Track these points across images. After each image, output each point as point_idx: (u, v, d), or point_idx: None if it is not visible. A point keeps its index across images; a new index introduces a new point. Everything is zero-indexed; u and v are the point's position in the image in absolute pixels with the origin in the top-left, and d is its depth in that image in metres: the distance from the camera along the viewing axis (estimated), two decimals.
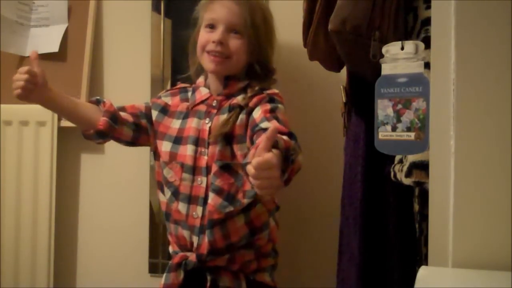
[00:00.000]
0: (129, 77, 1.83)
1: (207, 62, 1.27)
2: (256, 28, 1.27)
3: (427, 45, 0.83)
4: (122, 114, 1.32)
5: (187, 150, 1.26)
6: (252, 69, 1.30)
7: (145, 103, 1.38)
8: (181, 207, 1.25)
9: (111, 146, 1.84)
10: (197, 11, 1.37)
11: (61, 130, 1.80)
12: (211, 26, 1.27)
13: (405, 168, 0.94)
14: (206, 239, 1.23)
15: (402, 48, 0.86)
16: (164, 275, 1.27)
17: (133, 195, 1.80)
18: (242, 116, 1.24)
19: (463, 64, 0.59)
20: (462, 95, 0.59)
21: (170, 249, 1.34)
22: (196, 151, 1.25)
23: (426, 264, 0.76)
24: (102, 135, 1.31)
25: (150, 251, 1.75)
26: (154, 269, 1.76)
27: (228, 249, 1.24)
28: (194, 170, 1.25)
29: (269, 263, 1.32)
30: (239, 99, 1.26)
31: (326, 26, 1.03)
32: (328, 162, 1.61)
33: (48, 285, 1.76)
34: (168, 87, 1.78)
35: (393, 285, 1.10)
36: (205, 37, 1.28)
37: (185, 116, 1.31)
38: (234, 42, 1.26)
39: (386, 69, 0.88)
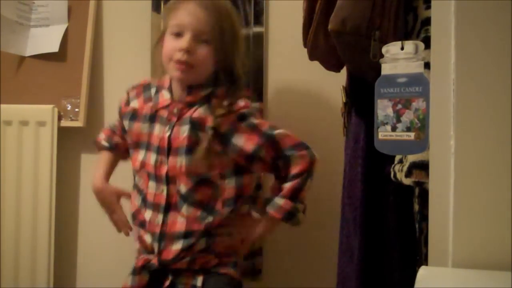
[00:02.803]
0: (129, 77, 1.82)
1: (173, 71, 1.24)
2: (224, 36, 1.23)
3: (427, 45, 0.83)
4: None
5: (151, 159, 1.26)
6: (218, 76, 1.27)
7: (120, 120, 1.39)
8: (147, 214, 1.26)
9: None
10: (161, 15, 1.33)
11: (61, 130, 1.80)
12: (178, 34, 1.23)
13: (405, 168, 0.94)
14: (177, 247, 1.23)
15: (402, 48, 0.86)
16: (130, 277, 1.28)
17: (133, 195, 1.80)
18: (204, 133, 1.22)
19: (463, 64, 0.59)
20: (462, 95, 0.59)
21: (135, 245, 1.36)
22: (157, 160, 1.25)
23: (426, 264, 0.76)
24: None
25: None
26: None
27: (190, 254, 1.24)
28: (156, 178, 1.25)
29: (231, 260, 1.30)
30: (201, 112, 1.24)
31: (326, 26, 1.03)
32: (328, 162, 1.61)
33: (48, 285, 1.76)
34: None
35: (393, 285, 1.10)
36: (171, 45, 1.24)
37: (150, 119, 1.29)
38: (202, 51, 1.22)
39: (386, 69, 0.88)
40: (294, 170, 1.22)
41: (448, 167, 0.60)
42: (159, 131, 1.26)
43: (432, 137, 0.73)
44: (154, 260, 1.26)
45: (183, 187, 1.23)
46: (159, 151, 1.25)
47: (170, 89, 1.29)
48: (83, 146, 1.84)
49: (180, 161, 1.22)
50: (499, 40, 0.58)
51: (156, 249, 1.25)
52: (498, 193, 0.58)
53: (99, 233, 1.84)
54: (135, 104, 1.34)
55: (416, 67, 0.84)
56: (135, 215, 1.32)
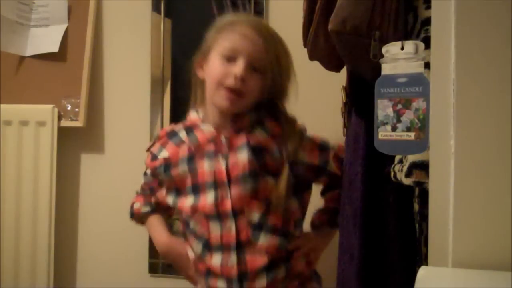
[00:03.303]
0: (129, 77, 1.83)
1: (221, 99, 1.14)
2: (278, 66, 1.16)
3: (427, 45, 0.83)
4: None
5: (207, 199, 1.15)
6: (265, 106, 1.19)
7: (152, 178, 1.30)
8: (215, 259, 1.15)
9: (111, 146, 1.84)
10: (207, 35, 1.21)
11: (61, 130, 1.80)
12: (230, 58, 1.13)
13: (405, 168, 0.93)
14: (262, 283, 1.14)
15: (402, 48, 0.86)
16: None
17: (133, 195, 1.80)
18: (269, 156, 1.16)
19: (463, 64, 0.59)
20: (462, 95, 0.59)
21: None
22: (216, 197, 1.14)
23: (426, 264, 0.76)
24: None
25: (150, 251, 1.75)
26: (154, 269, 1.76)
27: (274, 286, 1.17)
28: (219, 217, 1.14)
29: (311, 277, 1.26)
30: (258, 136, 1.16)
31: (326, 26, 1.03)
32: None
33: (48, 285, 1.76)
34: (168, 87, 1.78)
35: (393, 285, 1.10)
36: (222, 70, 1.13)
37: (189, 160, 1.18)
38: (254, 80, 1.14)
39: (386, 69, 0.88)
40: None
41: (448, 167, 0.59)
42: (209, 167, 1.16)
43: (432, 137, 0.73)
44: None
45: (254, 215, 1.13)
46: (216, 186, 1.15)
47: (206, 122, 1.20)
48: (83, 146, 1.84)
49: (244, 188, 1.13)
50: (499, 40, 0.58)
51: None
52: (498, 193, 0.58)
53: (99, 233, 1.84)
54: (165, 154, 1.23)
55: (416, 67, 0.84)
56: (195, 265, 1.22)
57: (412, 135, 0.84)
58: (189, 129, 1.22)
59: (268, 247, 1.13)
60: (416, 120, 0.83)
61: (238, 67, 1.12)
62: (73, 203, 1.86)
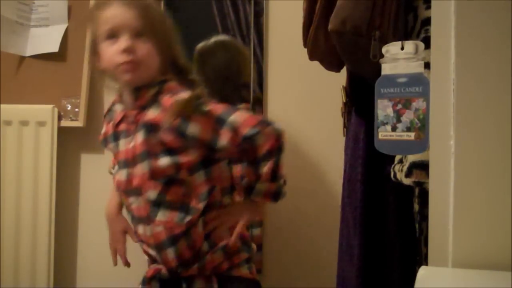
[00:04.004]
0: None
1: (121, 75, 1.17)
2: (157, 27, 1.18)
3: (427, 45, 0.83)
4: None
5: (121, 175, 1.22)
6: (164, 71, 1.21)
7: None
8: (139, 229, 1.23)
9: None
10: (90, 31, 1.26)
11: (61, 130, 1.80)
12: (112, 37, 1.16)
13: (405, 168, 0.93)
14: (171, 255, 1.20)
15: (402, 48, 0.86)
16: (140, 287, 1.26)
17: None
18: (162, 133, 1.16)
19: (463, 64, 0.59)
20: (462, 95, 0.59)
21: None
22: (128, 174, 1.20)
23: (426, 264, 0.76)
24: None
25: None
26: None
27: (196, 257, 1.21)
28: (132, 192, 1.21)
29: (242, 258, 1.26)
30: (151, 113, 1.18)
31: (326, 26, 1.03)
32: (328, 162, 1.61)
33: (48, 285, 1.76)
34: None
35: (393, 285, 1.10)
36: (111, 51, 1.17)
37: (115, 138, 1.25)
38: (143, 47, 1.16)
39: (386, 69, 0.88)
40: (263, 150, 1.16)
41: (448, 167, 0.60)
42: (124, 145, 1.22)
43: (432, 137, 0.73)
44: (164, 270, 1.23)
45: (151, 193, 1.18)
46: (127, 164, 1.21)
47: (122, 102, 1.24)
48: (83, 146, 1.84)
49: (142, 168, 1.17)
50: (499, 40, 0.58)
51: (159, 259, 1.23)
52: (498, 193, 0.58)
53: (99, 233, 1.83)
54: (103, 130, 1.31)
55: (416, 67, 0.84)
56: (135, 233, 1.30)
57: (412, 135, 0.84)
58: (113, 107, 1.29)
59: (166, 222, 1.18)
60: (416, 120, 0.83)
61: (122, 41, 1.15)
62: (73, 203, 1.86)
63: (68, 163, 1.85)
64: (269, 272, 1.65)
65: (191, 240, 1.20)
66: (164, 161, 1.16)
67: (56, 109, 1.80)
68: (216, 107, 1.18)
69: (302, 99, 1.65)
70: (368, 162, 1.13)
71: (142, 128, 1.18)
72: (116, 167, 1.27)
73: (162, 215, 1.18)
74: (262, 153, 1.17)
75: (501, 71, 0.58)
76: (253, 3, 1.68)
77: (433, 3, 0.73)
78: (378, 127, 0.88)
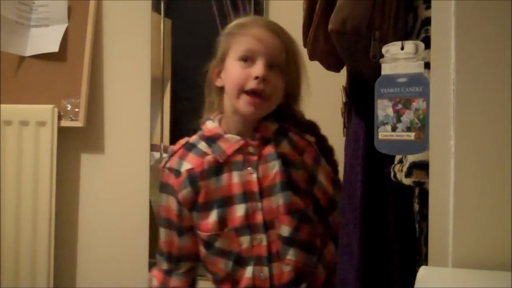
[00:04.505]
0: (129, 77, 1.83)
1: (244, 104, 1.08)
2: (294, 64, 1.12)
3: (427, 45, 0.83)
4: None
5: (237, 211, 1.10)
6: (281, 109, 1.15)
7: (179, 210, 1.16)
8: (248, 272, 1.11)
9: (111, 146, 1.84)
10: (220, 43, 1.16)
11: (61, 130, 1.80)
12: (246, 59, 1.08)
13: (405, 168, 0.93)
14: None
15: (402, 48, 0.86)
16: None
17: (133, 195, 1.80)
18: (294, 169, 1.13)
19: (463, 64, 0.59)
20: (462, 95, 0.59)
21: None
22: (247, 209, 1.10)
23: (426, 264, 0.76)
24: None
25: (150, 251, 1.75)
26: None
27: None
28: (250, 229, 1.10)
29: None
30: (285, 147, 1.12)
31: (326, 26, 1.03)
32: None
33: (48, 285, 1.76)
34: (168, 87, 1.79)
35: (393, 285, 1.10)
36: (242, 73, 1.07)
37: (216, 172, 1.11)
38: (275, 79, 1.08)
39: (386, 69, 0.88)
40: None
41: (448, 167, 0.59)
42: (238, 178, 1.10)
43: (432, 137, 0.73)
44: None
45: (285, 229, 1.10)
46: (246, 198, 1.10)
47: (229, 131, 1.14)
48: (83, 146, 1.84)
49: (276, 200, 1.09)
50: (499, 40, 0.58)
51: None
52: (498, 193, 0.58)
53: (99, 233, 1.84)
54: (187, 166, 1.14)
55: (416, 67, 0.84)
56: (223, 281, 1.16)
57: (412, 135, 0.84)
58: (210, 140, 1.15)
59: (296, 262, 1.11)
60: (416, 120, 0.84)
61: (258, 67, 1.07)
62: (73, 203, 1.86)
63: (68, 163, 1.85)
64: None
65: (314, 281, 1.14)
66: (296, 195, 1.10)
67: (56, 109, 1.80)
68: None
69: (302, 99, 1.65)
70: (368, 162, 1.13)
71: (276, 159, 1.10)
72: (216, 208, 1.12)
73: (293, 254, 1.09)
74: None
75: (501, 71, 0.58)
76: (253, 3, 1.68)
77: (433, 3, 0.73)
78: (378, 127, 0.88)
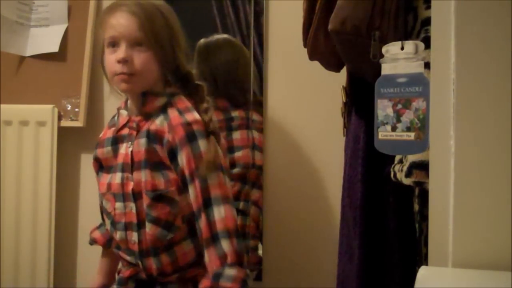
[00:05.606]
0: None
1: (118, 84, 1.20)
2: (158, 36, 1.19)
3: (427, 45, 0.83)
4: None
5: (116, 178, 1.22)
6: (168, 81, 1.24)
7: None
8: (119, 235, 1.23)
9: None
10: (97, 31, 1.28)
11: (61, 130, 1.80)
12: (113, 45, 1.19)
13: (405, 168, 0.93)
14: (153, 264, 1.20)
15: (402, 48, 0.86)
16: (115, 287, 1.26)
17: None
18: (160, 146, 1.17)
19: (463, 64, 0.59)
20: (462, 95, 0.59)
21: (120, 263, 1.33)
22: (122, 178, 1.21)
23: (426, 264, 0.76)
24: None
25: None
26: None
27: (177, 270, 1.20)
28: (124, 197, 1.21)
29: None
30: (157, 124, 1.18)
31: (326, 26, 1.03)
32: (328, 162, 1.61)
33: (48, 285, 1.76)
34: None
35: (393, 285, 1.10)
36: (110, 59, 1.19)
37: (113, 142, 1.26)
38: (140, 57, 1.17)
39: (386, 69, 0.88)
40: (220, 226, 1.13)
41: (448, 167, 0.60)
42: (123, 150, 1.23)
43: (432, 137, 0.73)
44: (142, 274, 1.23)
45: (144, 204, 1.18)
46: (123, 168, 1.21)
47: (127, 108, 1.26)
48: (83, 146, 1.84)
49: (140, 176, 1.18)
50: (499, 40, 0.58)
51: (141, 266, 1.22)
52: (498, 193, 0.58)
53: None
54: (101, 134, 1.33)
55: (416, 67, 0.84)
56: (110, 240, 1.33)
57: (412, 135, 0.84)
58: (117, 112, 1.32)
59: (151, 236, 1.18)
60: (416, 120, 0.84)
61: (120, 52, 1.17)
62: (73, 203, 1.86)
63: (68, 163, 1.85)
64: (268, 272, 1.65)
65: (174, 257, 1.20)
66: (157, 174, 1.17)
67: (56, 109, 1.80)
68: (206, 153, 1.15)
69: (302, 99, 1.65)
70: (368, 162, 1.13)
71: (145, 136, 1.19)
72: (108, 172, 1.26)
73: (149, 227, 1.18)
74: (221, 231, 1.12)
75: (501, 71, 0.58)
76: (253, 3, 1.68)
77: (433, 3, 0.73)
78: (378, 127, 0.88)
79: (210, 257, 1.14)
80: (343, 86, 1.27)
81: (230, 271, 1.11)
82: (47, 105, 1.81)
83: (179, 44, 1.24)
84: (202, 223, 1.14)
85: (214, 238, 1.13)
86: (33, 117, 1.81)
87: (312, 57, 1.23)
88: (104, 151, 1.27)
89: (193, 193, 1.15)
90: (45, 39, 1.86)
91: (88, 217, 1.85)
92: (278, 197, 1.64)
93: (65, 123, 1.81)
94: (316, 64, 1.27)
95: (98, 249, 1.84)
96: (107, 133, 1.30)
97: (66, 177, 1.85)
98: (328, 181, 1.60)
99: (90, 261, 1.85)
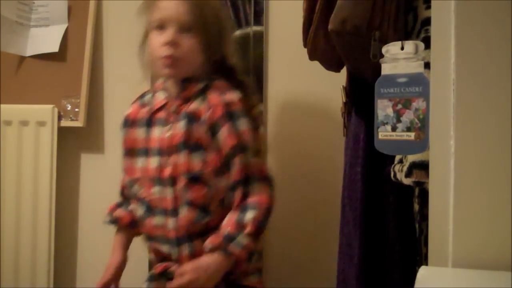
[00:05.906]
0: (129, 77, 1.82)
1: (161, 68, 1.20)
2: (208, 24, 1.19)
3: (427, 45, 0.83)
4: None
5: (151, 163, 1.21)
6: (211, 68, 1.23)
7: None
8: (156, 221, 1.21)
9: (111, 146, 1.84)
10: (141, 14, 1.28)
11: (61, 130, 1.80)
12: (161, 28, 1.19)
13: (405, 168, 0.93)
14: (186, 252, 1.19)
15: (402, 48, 0.86)
16: (146, 283, 1.24)
17: None
18: (198, 126, 1.18)
19: (463, 64, 0.59)
20: (462, 95, 0.59)
21: (149, 256, 1.33)
22: (160, 163, 1.20)
23: (426, 264, 0.76)
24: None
25: None
26: None
27: None
28: (161, 182, 1.20)
29: (254, 267, 1.24)
30: (196, 104, 1.19)
31: (326, 26, 1.03)
32: (328, 163, 1.61)
33: (48, 285, 1.76)
34: None
35: (393, 285, 1.10)
36: (156, 42, 1.19)
37: (147, 124, 1.24)
38: (187, 42, 1.17)
39: (386, 69, 0.88)
40: (253, 200, 1.15)
41: (448, 167, 0.60)
42: (159, 133, 1.21)
43: (432, 137, 0.73)
44: (174, 267, 1.20)
45: (181, 187, 1.18)
46: (160, 152, 1.20)
47: (165, 89, 1.25)
48: (83, 146, 1.84)
49: (178, 159, 1.17)
50: (499, 40, 0.58)
51: (173, 256, 1.20)
52: (498, 193, 0.58)
53: (99, 233, 1.83)
54: (129, 111, 1.30)
55: (416, 67, 0.84)
56: (134, 222, 1.29)
57: (412, 135, 0.84)
58: (153, 93, 1.29)
59: (187, 219, 1.17)
60: (416, 120, 0.84)
61: (167, 34, 1.17)
62: (73, 203, 1.86)
63: (68, 163, 1.85)
64: (268, 272, 1.65)
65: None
66: (194, 155, 1.17)
67: (56, 109, 1.80)
68: (247, 131, 1.17)
69: (302, 99, 1.65)
70: (368, 162, 1.13)
71: (185, 118, 1.19)
72: (141, 155, 1.24)
73: (185, 211, 1.17)
74: (252, 203, 1.14)
75: (501, 71, 0.58)
76: (253, 3, 1.68)
77: (433, 3, 0.73)
78: (378, 127, 0.88)
79: (229, 220, 1.15)
80: (343, 86, 1.27)
81: (244, 239, 1.13)
82: (47, 105, 1.81)
83: (227, 35, 1.25)
84: (236, 194, 1.15)
85: (242, 208, 1.15)
86: (33, 117, 1.81)
87: (312, 57, 1.23)
88: (139, 132, 1.25)
89: (233, 168, 1.15)
90: (45, 39, 1.86)
91: (88, 217, 1.85)
92: (277, 197, 1.64)
93: (65, 123, 1.81)
94: (316, 64, 1.27)
95: (98, 249, 1.84)
96: (139, 113, 1.27)
97: (66, 177, 1.85)
98: (328, 181, 1.60)
99: (90, 261, 1.85)
